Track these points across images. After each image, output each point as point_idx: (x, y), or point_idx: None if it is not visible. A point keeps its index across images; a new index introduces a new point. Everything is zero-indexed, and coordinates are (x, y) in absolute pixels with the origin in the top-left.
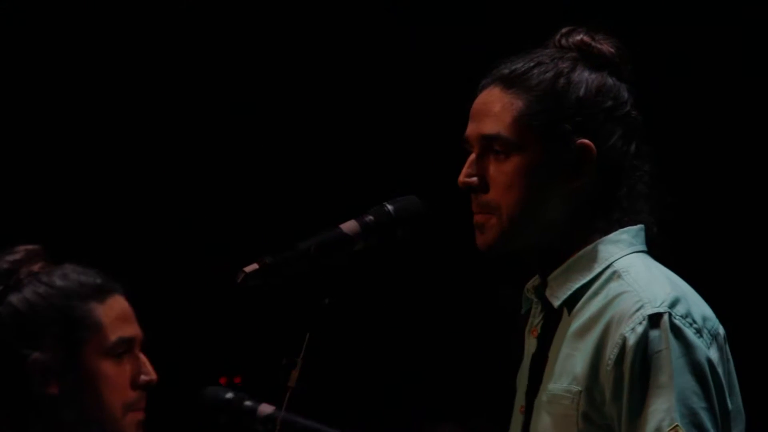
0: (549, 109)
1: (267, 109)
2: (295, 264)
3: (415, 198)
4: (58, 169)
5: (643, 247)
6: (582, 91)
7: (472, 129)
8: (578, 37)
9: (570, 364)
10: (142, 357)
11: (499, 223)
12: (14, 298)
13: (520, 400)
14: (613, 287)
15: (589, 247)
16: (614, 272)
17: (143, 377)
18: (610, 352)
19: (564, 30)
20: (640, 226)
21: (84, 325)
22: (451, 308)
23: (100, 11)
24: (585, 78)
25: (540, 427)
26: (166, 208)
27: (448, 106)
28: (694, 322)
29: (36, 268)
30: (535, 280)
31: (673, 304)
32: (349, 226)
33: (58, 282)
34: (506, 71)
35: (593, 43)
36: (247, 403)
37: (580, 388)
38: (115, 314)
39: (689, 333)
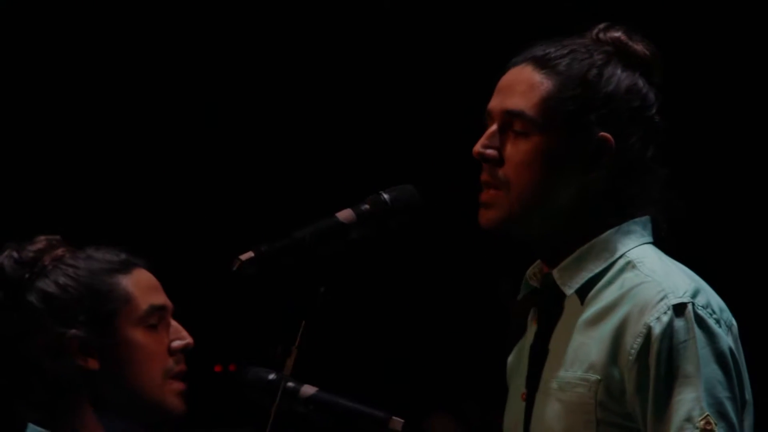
0: (578, 96)
1: (264, 99)
2: (290, 252)
3: (411, 187)
4: (53, 163)
5: (652, 239)
6: (612, 87)
7: (496, 103)
8: (616, 34)
9: (584, 352)
10: (176, 324)
11: (507, 201)
12: (42, 284)
13: (519, 387)
14: (629, 277)
15: (602, 236)
16: (628, 262)
17: (178, 342)
18: (633, 342)
19: (602, 25)
20: (647, 217)
21: (113, 297)
22: (447, 298)
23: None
24: (617, 74)
25: (549, 414)
26: (162, 198)
27: (446, 98)
28: (714, 312)
29: (59, 254)
30: (536, 267)
31: (695, 294)
32: (345, 214)
33: (83, 263)
34: (540, 53)
35: (630, 42)
36: (290, 384)
37: (598, 377)
38: (142, 284)
39: (711, 323)
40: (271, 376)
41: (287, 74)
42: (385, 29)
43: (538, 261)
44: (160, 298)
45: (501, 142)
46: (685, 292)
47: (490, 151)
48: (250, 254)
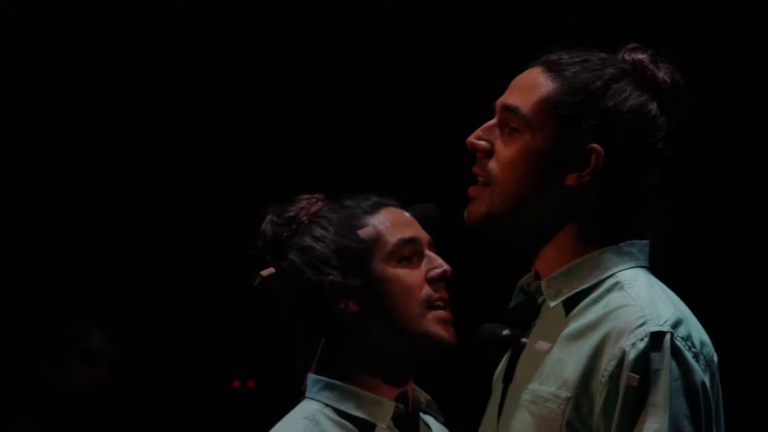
0: (574, 104)
1: (271, 111)
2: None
3: (434, 206)
4: (55, 168)
5: (647, 263)
6: (614, 103)
7: (501, 98)
8: (639, 56)
9: (560, 368)
10: (432, 254)
11: (491, 196)
12: (300, 240)
13: (498, 396)
14: (615, 298)
15: (595, 253)
16: (617, 283)
17: (435, 270)
18: (607, 364)
19: (631, 45)
20: (646, 242)
21: (362, 237)
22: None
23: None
24: (625, 92)
25: (519, 424)
26: (180, 212)
27: (446, 98)
28: (693, 345)
29: (316, 208)
30: (528, 277)
31: (676, 325)
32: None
33: (335, 213)
34: (554, 57)
35: (650, 66)
36: (524, 340)
37: (569, 395)
38: (389, 221)
39: (689, 356)
40: (506, 332)
41: (293, 84)
42: (385, 29)
43: (532, 271)
44: (410, 231)
45: (495, 136)
46: (666, 321)
47: (482, 143)
48: (271, 270)
